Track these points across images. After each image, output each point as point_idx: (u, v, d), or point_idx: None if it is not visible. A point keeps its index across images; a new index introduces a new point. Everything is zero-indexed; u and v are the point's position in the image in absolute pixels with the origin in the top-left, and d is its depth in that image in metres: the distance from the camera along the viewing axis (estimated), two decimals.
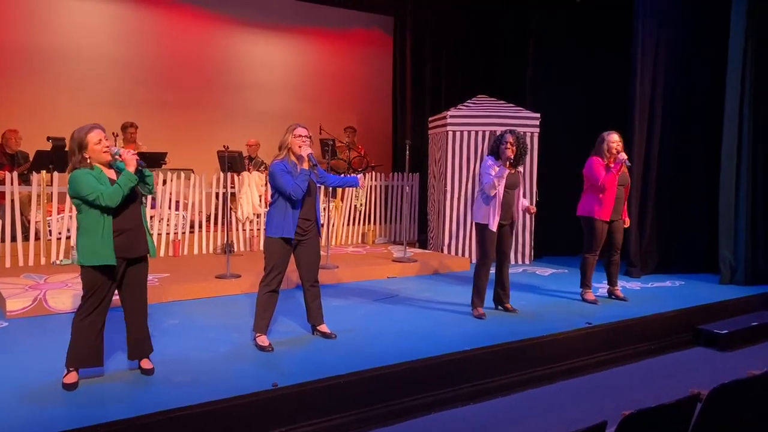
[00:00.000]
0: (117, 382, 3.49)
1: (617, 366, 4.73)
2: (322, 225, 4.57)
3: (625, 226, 5.82)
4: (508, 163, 4.93)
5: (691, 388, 2.40)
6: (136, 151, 3.54)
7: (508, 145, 4.93)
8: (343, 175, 4.38)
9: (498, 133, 5.27)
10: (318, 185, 4.37)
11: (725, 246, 6.69)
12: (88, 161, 3.30)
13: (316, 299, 4.41)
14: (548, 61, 8.53)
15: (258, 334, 4.19)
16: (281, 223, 4.10)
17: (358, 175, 4.53)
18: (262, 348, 4.11)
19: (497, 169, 4.92)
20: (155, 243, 7.20)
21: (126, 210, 3.36)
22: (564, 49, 8.47)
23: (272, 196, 4.23)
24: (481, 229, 5.04)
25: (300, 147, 4.11)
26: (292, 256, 4.26)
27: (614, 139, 5.49)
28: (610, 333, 4.86)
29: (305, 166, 4.11)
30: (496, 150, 5.01)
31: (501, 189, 4.94)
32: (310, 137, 4.23)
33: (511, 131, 5.03)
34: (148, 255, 3.56)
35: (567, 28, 8.50)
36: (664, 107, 7.12)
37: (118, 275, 3.42)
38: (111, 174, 3.37)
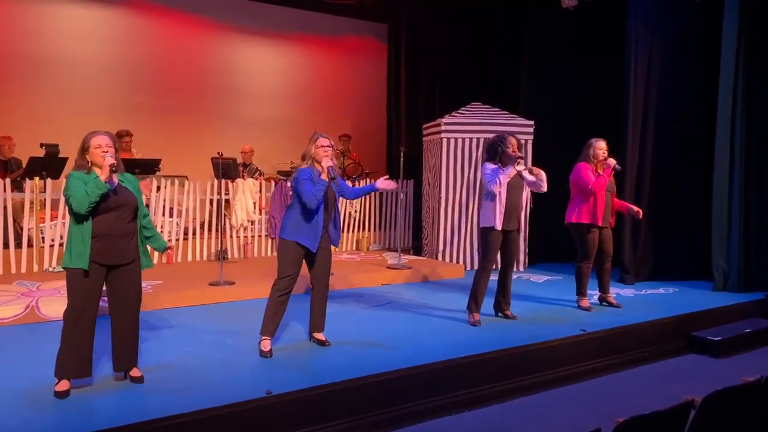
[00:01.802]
0: (110, 390, 3.47)
1: (611, 373, 4.74)
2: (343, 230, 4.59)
3: (639, 216, 5.79)
4: (516, 162, 4.91)
5: (685, 395, 2.40)
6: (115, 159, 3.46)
7: (511, 146, 4.96)
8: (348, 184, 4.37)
9: (490, 139, 5.26)
10: (337, 196, 4.35)
11: (718, 253, 6.72)
12: (89, 164, 3.38)
13: (322, 305, 4.42)
14: (542, 67, 8.56)
15: (263, 338, 4.18)
16: (300, 229, 4.12)
17: (379, 181, 4.42)
18: (262, 353, 4.11)
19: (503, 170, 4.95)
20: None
21: (107, 215, 3.35)
22: (558, 55, 8.51)
23: (291, 198, 4.25)
24: (485, 233, 5.02)
25: (324, 157, 4.14)
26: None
27: (602, 146, 5.52)
28: (604, 340, 4.86)
29: (324, 177, 4.13)
30: (494, 155, 5.02)
31: (504, 191, 4.93)
32: (332, 146, 4.26)
33: (509, 134, 5.08)
34: (140, 266, 3.54)
35: (561, 35, 8.53)
36: (657, 113, 7.15)
37: (98, 281, 3.38)
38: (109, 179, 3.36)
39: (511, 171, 4.88)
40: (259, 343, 4.19)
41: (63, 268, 3.37)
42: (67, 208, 3.39)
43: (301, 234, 4.13)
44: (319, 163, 4.17)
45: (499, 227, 4.94)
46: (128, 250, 3.46)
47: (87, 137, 3.42)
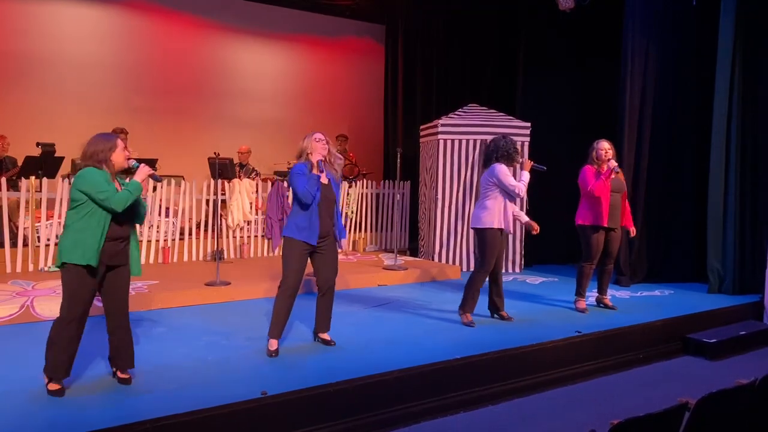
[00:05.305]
0: (103, 390, 3.46)
1: (606, 375, 4.75)
2: (346, 230, 4.60)
3: (632, 235, 5.93)
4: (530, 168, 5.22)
5: (680, 397, 2.41)
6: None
7: (519, 150, 5.23)
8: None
9: (499, 139, 5.19)
10: (336, 192, 4.32)
11: (714, 255, 6.73)
12: (103, 166, 3.41)
13: (328, 306, 4.41)
14: (538, 70, 8.57)
15: (271, 339, 4.19)
16: (300, 226, 4.12)
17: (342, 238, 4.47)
18: (269, 352, 4.13)
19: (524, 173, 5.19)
20: (144, 254, 7.17)
21: (121, 218, 3.40)
22: (554, 58, 8.51)
23: (292, 197, 4.29)
24: (484, 234, 5.01)
25: (318, 150, 4.19)
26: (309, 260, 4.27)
27: (603, 146, 5.53)
28: (599, 342, 4.87)
29: (315, 171, 4.14)
30: (505, 157, 5.05)
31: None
32: (327, 141, 4.27)
33: (509, 136, 5.22)
34: (130, 272, 3.56)
35: (557, 37, 8.54)
36: (653, 116, 7.16)
37: (98, 282, 3.40)
38: (116, 185, 3.43)
39: (526, 176, 5.14)
40: (268, 343, 4.19)
41: (63, 264, 3.29)
42: (76, 202, 3.30)
43: (302, 231, 4.13)
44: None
45: (502, 225, 5.02)
46: (126, 252, 3.52)
47: (111, 138, 3.51)
